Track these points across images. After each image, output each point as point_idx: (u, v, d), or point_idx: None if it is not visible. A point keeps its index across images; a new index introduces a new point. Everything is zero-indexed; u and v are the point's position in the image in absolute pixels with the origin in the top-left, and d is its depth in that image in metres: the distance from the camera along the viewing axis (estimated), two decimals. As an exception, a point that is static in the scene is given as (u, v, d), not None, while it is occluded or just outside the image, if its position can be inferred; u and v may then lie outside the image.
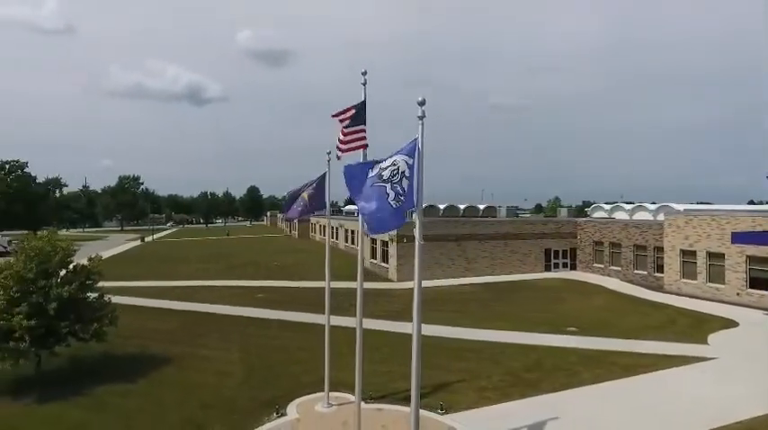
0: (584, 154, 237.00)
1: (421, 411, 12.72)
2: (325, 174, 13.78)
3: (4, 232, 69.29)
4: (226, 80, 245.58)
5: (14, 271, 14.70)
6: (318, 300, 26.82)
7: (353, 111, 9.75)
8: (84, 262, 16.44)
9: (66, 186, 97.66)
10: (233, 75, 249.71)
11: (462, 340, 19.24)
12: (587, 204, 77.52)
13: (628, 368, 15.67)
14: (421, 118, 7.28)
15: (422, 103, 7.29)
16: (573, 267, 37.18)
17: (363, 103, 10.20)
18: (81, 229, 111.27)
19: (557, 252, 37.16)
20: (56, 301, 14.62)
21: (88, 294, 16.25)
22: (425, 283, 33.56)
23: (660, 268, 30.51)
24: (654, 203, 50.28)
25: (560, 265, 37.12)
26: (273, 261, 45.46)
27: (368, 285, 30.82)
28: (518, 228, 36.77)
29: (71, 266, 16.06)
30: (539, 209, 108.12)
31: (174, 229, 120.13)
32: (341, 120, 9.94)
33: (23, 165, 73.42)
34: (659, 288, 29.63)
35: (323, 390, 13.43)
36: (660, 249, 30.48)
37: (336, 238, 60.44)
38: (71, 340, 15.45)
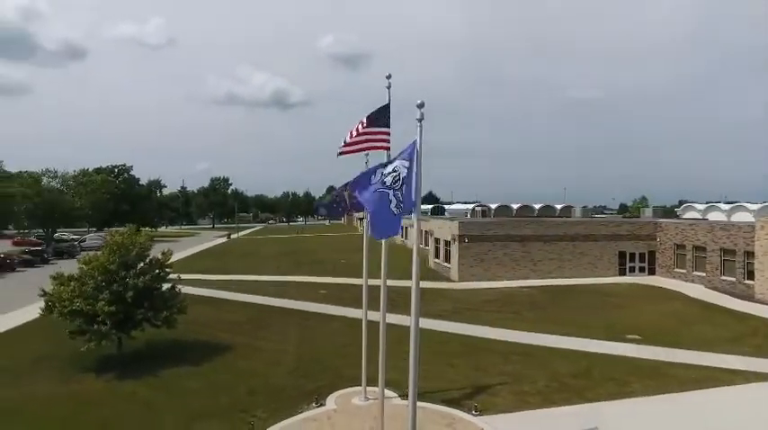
0: (684, 150, 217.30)
1: (455, 411, 12.96)
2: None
3: (112, 229, 77.97)
4: (309, 85, 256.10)
5: (100, 262, 16.78)
6: (377, 296, 27.61)
7: (369, 116, 10.09)
8: (159, 256, 18.33)
9: (165, 187, 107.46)
10: (316, 79, 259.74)
11: (513, 343, 18.84)
12: (683, 204, 71.30)
13: (687, 382, 14.54)
14: (420, 120, 7.47)
15: (420, 106, 7.47)
16: (652, 272, 34.59)
17: (388, 106, 10.51)
18: (179, 227, 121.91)
19: (632, 255, 34.74)
20: (132, 290, 16.47)
21: (162, 285, 18.13)
22: (487, 285, 33.11)
23: (751, 275, 27.54)
24: (765, 203, 45.28)
25: (636, 269, 34.67)
26: (341, 258, 46.98)
27: (426, 284, 31.33)
28: (588, 228, 34.85)
29: (147, 260, 17.98)
30: (623, 208, 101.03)
31: (259, 227, 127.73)
32: (363, 124, 10.27)
33: (129, 169, 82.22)
34: (749, 297, 26.77)
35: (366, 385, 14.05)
36: (751, 254, 27.51)
37: (405, 238, 61.03)
38: (146, 326, 17.33)
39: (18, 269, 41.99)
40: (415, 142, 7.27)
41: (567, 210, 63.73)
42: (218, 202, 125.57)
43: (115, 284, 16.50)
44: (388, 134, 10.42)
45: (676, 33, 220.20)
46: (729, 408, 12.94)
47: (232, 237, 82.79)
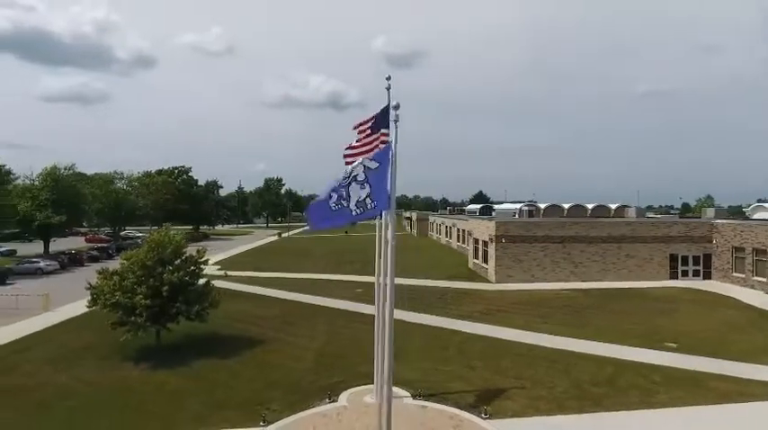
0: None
1: (463, 413, 12.88)
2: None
3: (174, 227, 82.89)
4: (363, 86, 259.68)
5: (139, 258, 17.99)
6: (412, 297, 27.70)
7: (373, 119, 10.12)
8: (194, 253, 19.38)
9: (222, 187, 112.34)
10: (370, 80, 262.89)
11: (539, 347, 18.35)
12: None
13: (722, 394, 13.60)
14: (395, 122, 7.55)
15: (396, 107, 7.56)
16: (708, 276, 32.30)
17: (387, 108, 10.59)
18: (235, 225, 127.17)
19: (685, 258, 32.58)
20: (167, 285, 17.56)
21: (197, 280, 19.13)
22: (524, 286, 32.27)
23: (819, 281, 25.12)
24: None
25: (690, 273, 32.49)
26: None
27: (463, 285, 31.07)
28: (635, 229, 33.03)
29: (183, 257, 19.04)
30: (686, 208, 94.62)
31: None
32: (361, 131, 10.32)
33: (188, 170, 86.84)
34: (816, 305, 24.44)
35: (382, 383, 14.24)
36: (819, 258, 25.10)
37: (449, 237, 60.50)
38: (182, 319, 18.37)
39: (86, 264, 45.71)
40: (390, 143, 7.34)
41: (623, 211, 60.69)
42: (272, 202, 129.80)
43: (152, 279, 17.64)
44: (387, 135, 10.48)
45: (751, 22, 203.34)
46: (756, 426, 11.98)
47: (283, 235, 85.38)
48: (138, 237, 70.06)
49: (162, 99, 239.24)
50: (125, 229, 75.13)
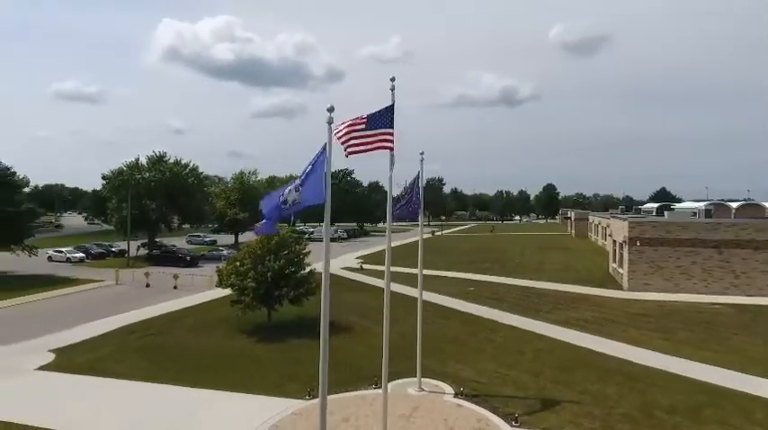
0: None
1: (493, 417, 12.76)
2: (418, 174, 14.80)
3: (338, 224, 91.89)
4: (539, 79, 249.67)
5: (251, 248, 21.29)
6: (522, 298, 26.63)
7: (365, 119, 10.58)
8: (296, 246, 22.08)
9: (382, 188, 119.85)
10: (546, 72, 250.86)
11: (629, 363, 16.29)
12: None
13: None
14: (329, 123, 8.18)
15: (330, 110, 8.15)
16: None
17: (392, 107, 11.04)
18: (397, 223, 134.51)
19: None
20: (270, 272, 20.44)
21: (301, 270, 21.72)
22: (661, 297, 28.68)
23: None
24: None
25: None
26: (516, 258, 45.47)
27: (589, 290, 29.15)
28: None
29: (288, 249, 21.83)
30: None
31: (472, 224, 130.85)
32: (352, 129, 10.67)
33: (350, 173, 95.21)
34: None
35: (435, 378, 14.98)
36: None
37: (604, 239, 54.76)
38: (299, 303, 21.07)
39: (258, 253, 54.21)
40: (324, 145, 7.98)
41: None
42: (432, 201, 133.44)
43: (260, 266, 20.74)
44: (392, 134, 10.91)
45: None
46: None
47: (436, 234, 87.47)
48: (306, 232, 79.89)
49: (346, 109, 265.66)
50: (302, 226, 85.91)
